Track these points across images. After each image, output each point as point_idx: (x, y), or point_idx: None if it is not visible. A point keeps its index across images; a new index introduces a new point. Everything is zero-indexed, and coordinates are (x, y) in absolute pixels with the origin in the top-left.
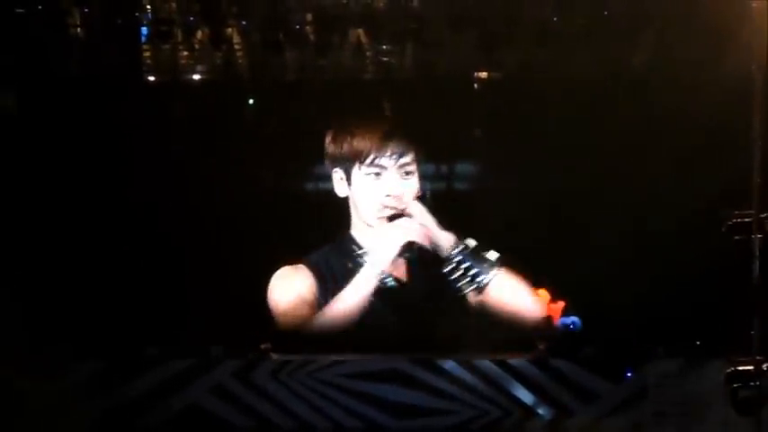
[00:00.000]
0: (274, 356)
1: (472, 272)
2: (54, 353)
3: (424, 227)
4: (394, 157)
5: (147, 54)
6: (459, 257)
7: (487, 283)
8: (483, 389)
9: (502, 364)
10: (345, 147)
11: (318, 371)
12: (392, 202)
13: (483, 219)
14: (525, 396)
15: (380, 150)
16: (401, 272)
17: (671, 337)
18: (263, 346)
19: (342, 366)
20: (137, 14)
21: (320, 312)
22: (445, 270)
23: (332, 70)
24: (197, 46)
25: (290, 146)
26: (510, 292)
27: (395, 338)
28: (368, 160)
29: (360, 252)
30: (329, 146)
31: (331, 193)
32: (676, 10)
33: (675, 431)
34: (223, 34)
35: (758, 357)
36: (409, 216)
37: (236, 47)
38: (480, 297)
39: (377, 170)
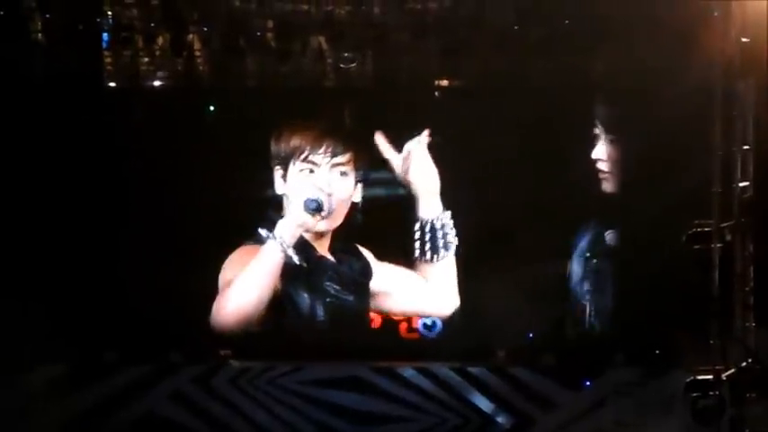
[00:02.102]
0: (234, 363)
1: (437, 241)
2: (12, 358)
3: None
4: (328, 154)
5: (108, 60)
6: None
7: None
8: (442, 396)
9: (461, 372)
10: (284, 144)
11: (278, 378)
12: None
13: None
14: (484, 404)
15: (314, 147)
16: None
17: (630, 345)
18: (222, 353)
19: (302, 373)
20: (98, 20)
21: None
22: (415, 229)
23: (292, 77)
24: (158, 52)
25: (250, 151)
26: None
27: (353, 345)
28: (302, 156)
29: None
30: (272, 145)
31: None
32: (637, 18)
33: None
34: (184, 40)
35: (717, 367)
36: None
37: (197, 53)
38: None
39: (310, 166)
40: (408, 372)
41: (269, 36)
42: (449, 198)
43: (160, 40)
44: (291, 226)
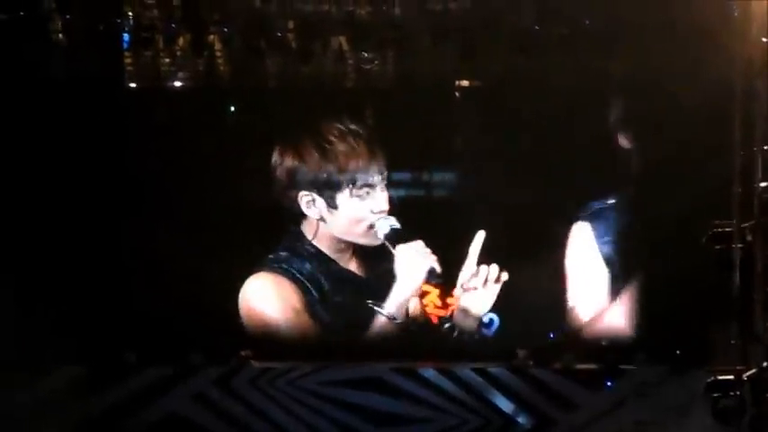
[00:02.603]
0: (255, 364)
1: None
2: (33, 359)
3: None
4: (381, 173)
5: (129, 60)
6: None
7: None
8: (463, 397)
9: (482, 373)
10: (330, 170)
11: (299, 378)
12: (382, 218)
13: (457, 227)
14: (505, 405)
15: (369, 169)
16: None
17: (651, 346)
18: (243, 354)
19: (322, 374)
20: (118, 21)
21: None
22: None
23: (313, 77)
24: (178, 52)
25: (271, 153)
26: None
27: (377, 346)
28: (359, 182)
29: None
30: (300, 168)
31: None
32: (657, 18)
33: None
34: (205, 41)
35: (738, 367)
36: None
37: (218, 53)
38: None
39: (367, 190)
40: (429, 372)
41: (290, 36)
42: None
43: (181, 41)
44: (404, 301)
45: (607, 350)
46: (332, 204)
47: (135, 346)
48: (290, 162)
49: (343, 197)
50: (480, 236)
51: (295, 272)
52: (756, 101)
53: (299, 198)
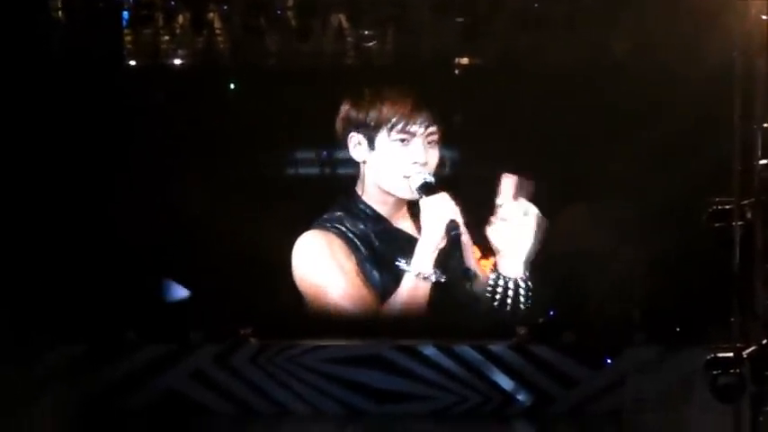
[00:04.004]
0: (253, 341)
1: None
2: (34, 337)
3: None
4: (423, 125)
5: (128, 38)
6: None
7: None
8: (463, 375)
9: (482, 351)
10: (373, 112)
11: (299, 356)
12: (417, 170)
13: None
14: (505, 382)
15: (411, 118)
16: None
17: (650, 323)
18: (242, 331)
19: (323, 351)
20: None
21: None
22: (490, 282)
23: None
24: (178, 30)
25: (271, 131)
26: None
27: (376, 324)
28: (398, 126)
29: (372, 215)
30: (349, 111)
31: (309, 178)
32: None
33: (655, 418)
34: (204, 19)
35: (738, 344)
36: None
37: (217, 31)
38: None
39: (405, 137)
40: (429, 350)
41: (289, 14)
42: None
43: (180, 19)
44: (429, 255)
45: (607, 328)
46: (371, 145)
47: (136, 324)
48: (345, 108)
49: (381, 138)
50: (512, 177)
51: (345, 229)
52: (756, 78)
53: (348, 140)
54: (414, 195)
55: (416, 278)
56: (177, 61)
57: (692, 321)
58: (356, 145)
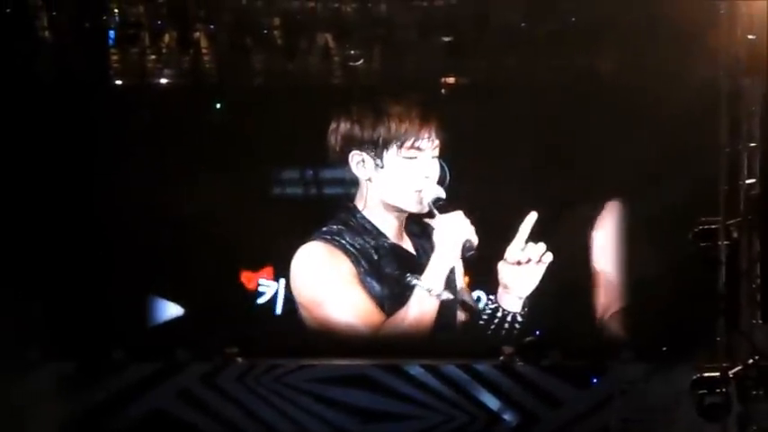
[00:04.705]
0: (240, 360)
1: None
2: (21, 355)
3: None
4: (431, 139)
5: (115, 57)
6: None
7: None
8: (449, 394)
9: (468, 370)
10: (380, 129)
11: (285, 375)
12: (429, 183)
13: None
14: (491, 401)
15: (420, 133)
16: None
17: (637, 342)
18: (229, 351)
19: (309, 371)
20: (104, 18)
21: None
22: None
23: (299, 74)
24: (164, 50)
25: (257, 149)
26: None
27: (362, 343)
28: (407, 143)
29: (373, 231)
30: (351, 129)
31: (300, 197)
32: (643, 17)
33: None
34: (190, 38)
35: (724, 364)
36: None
37: (204, 51)
38: None
39: (415, 153)
40: (415, 369)
41: (275, 34)
42: (457, 195)
43: (167, 38)
44: (442, 272)
45: (593, 347)
46: (379, 163)
47: (124, 343)
48: (345, 125)
49: (389, 156)
50: (532, 216)
51: (346, 243)
52: (742, 98)
53: (350, 158)
54: (424, 209)
55: (427, 294)
56: (164, 80)
57: (678, 340)
58: (359, 163)
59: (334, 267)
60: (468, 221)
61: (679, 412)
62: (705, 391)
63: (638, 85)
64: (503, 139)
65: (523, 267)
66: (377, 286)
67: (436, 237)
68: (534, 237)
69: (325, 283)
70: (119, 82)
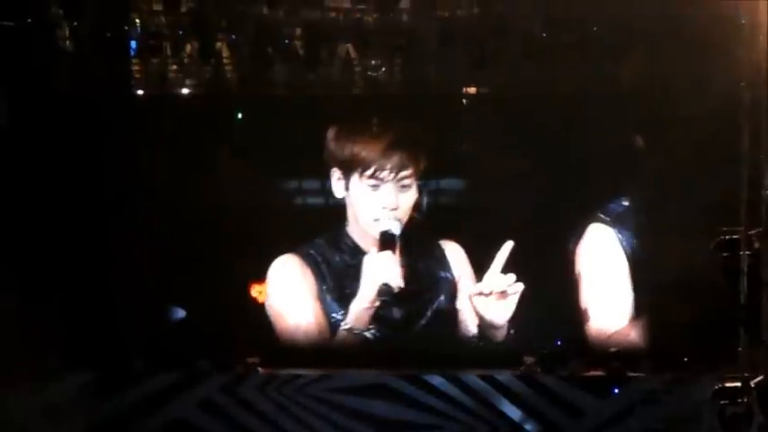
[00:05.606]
0: (261, 370)
1: None
2: (41, 365)
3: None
4: (393, 171)
5: (136, 67)
6: None
7: None
8: (470, 404)
9: (489, 380)
10: (347, 151)
11: (306, 385)
12: (387, 214)
13: (474, 233)
14: (512, 411)
15: (381, 163)
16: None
17: (658, 353)
18: (250, 360)
19: (330, 381)
20: (126, 28)
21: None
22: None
23: (321, 85)
24: (186, 60)
25: (277, 159)
26: None
27: (384, 353)
28: (368, 172)
29: (353, 247)
30: (330, 143)
31: (316, 205)
32: (665, 26)
33: None
34: (212, 48)
35: (746, 374)
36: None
37: (225, 60)
38: None
39: (375, 183)
40: (436, 379)
41: (297, 44)
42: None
43: (188, 48)
44: (363, 312)
45: (614, 357)
46: (347, 185)
47: (144, 352)
48: (329, 139)
49: (354, 181)
50: (508, 245)
51: (318, 256)
52: (763, 108)
53: (331, 174)
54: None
55: (347, 332)
56: (185, 90)
57: (699, 351)
58: (337, 180)
59: (297, 282)
60: (393, 263)
61: (700, 423)
62: (727, 401)
63: (659, 94)
64: (522, 150)
65: (493, 300)
66: (335, 305)
67: (362, 274)
68: (555, 247)
69: (286, 297)
70: (140, 92)
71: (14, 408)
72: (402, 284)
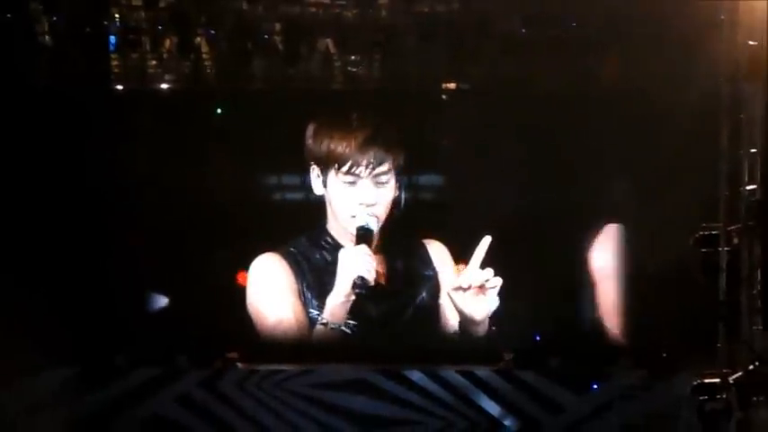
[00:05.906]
0: (241, 366)
1: None
2: (21, 361)
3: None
4: (370, 166)
5: (116, 62)
6: None
7: None
8: (450, 400)
9: (468, 375)
10: (324, 147)
11: (286, 381)
12: (364, 210)
13: (454, 229)
14: (491, 407)
15: (357, 159)
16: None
17: (637, 349)
18: (229, 356)
19: (309, 376)
20: (105, 23)
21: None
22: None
23: (300, 80)
24: (165, 55)
25: (257, 154)
26: None
27: (363, 349)
28: (344, 168)
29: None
30: (309, 140)
31: (296, 201)
32: (645, 24)
33: None
34: (191, 43)
35: (724, 370)
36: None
37: (205, 55)
38: None
39: (352, 179)
40: (416, 375)
41: (276, 39)
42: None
43: (167, 43)
44: (340, 306)
45: (593, 353)
46: (325, 181)
47: (124, 348)
48: (308, 135)
49: (331, 177)
50: (486, 240)
51: (298, 254)
52: (743, 104)
53: (310, 170)
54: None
55: (324, 327)
56: (164, 85)
57: (678, 347)
58: (316, 177)
59: (274, 279)
60: (368, 257)
61: (679, 418)
62: (706, 397)
63: (638, 90)
64: (501, 146)
65: (470, 295)
66: (314, 302)
67: (338, 269)
68: (534, 243)
69: (263, 294)
70: (119, 87)
71: None
72: (377, 278)
